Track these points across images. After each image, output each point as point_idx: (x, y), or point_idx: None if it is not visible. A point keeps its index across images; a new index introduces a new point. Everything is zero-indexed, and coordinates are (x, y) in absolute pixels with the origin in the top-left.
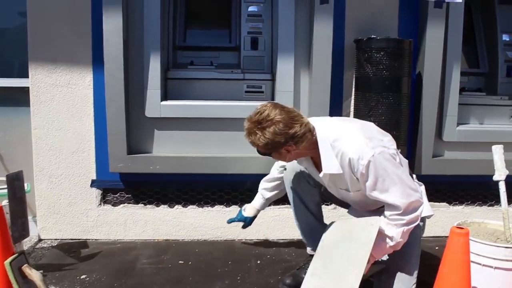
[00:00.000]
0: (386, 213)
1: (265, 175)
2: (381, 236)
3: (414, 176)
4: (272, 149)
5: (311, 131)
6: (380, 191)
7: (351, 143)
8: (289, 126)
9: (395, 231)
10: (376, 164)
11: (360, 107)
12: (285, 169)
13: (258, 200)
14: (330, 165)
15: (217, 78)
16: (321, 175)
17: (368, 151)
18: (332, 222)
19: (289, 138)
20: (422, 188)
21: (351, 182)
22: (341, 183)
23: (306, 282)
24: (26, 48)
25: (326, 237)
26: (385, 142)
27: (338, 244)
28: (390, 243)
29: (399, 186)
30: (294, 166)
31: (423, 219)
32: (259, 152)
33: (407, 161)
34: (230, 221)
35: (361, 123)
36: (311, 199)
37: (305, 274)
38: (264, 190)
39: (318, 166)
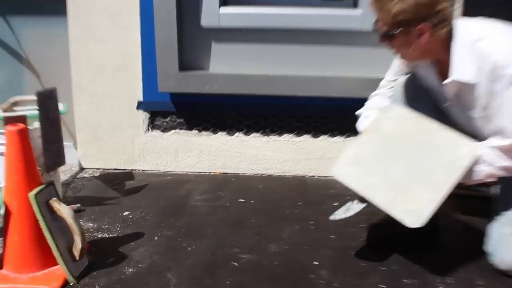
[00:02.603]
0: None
1: (347, 99)
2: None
3: None
4: (403, 24)
5: (452, 22)
6: None
7: (500, 45)
8: (437, 1)
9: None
10: None
11: None
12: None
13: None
14: (463, 70)
15: None
16: (447, 81)
17: None
18: (395, 107)
19: (432, 15)
20: None
21: (488, 97)
22: (469, 99)
23: (345, 162)
24: None
25: (386, 124)
26: None
27: (404, 145)
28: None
29: None
30: (407, 84)
31: None
32: (377, 30)
33: None
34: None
35: None
36: None
37: None
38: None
39: (442, 76)
